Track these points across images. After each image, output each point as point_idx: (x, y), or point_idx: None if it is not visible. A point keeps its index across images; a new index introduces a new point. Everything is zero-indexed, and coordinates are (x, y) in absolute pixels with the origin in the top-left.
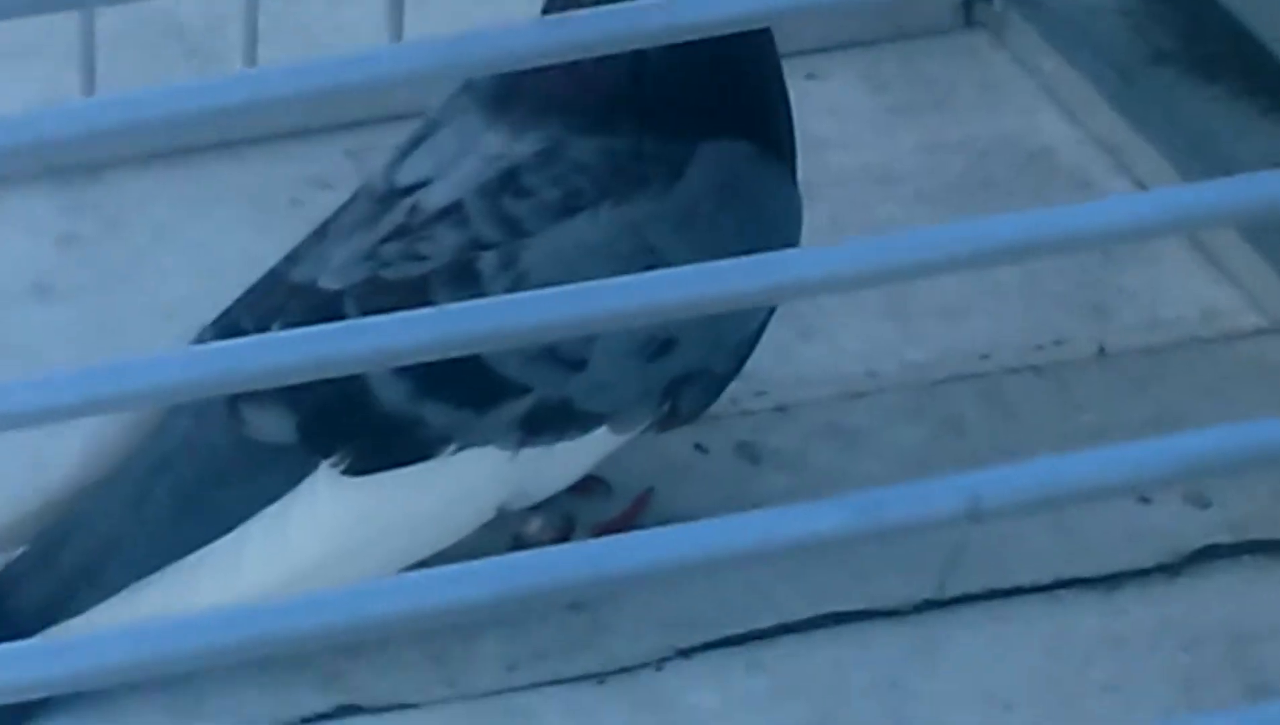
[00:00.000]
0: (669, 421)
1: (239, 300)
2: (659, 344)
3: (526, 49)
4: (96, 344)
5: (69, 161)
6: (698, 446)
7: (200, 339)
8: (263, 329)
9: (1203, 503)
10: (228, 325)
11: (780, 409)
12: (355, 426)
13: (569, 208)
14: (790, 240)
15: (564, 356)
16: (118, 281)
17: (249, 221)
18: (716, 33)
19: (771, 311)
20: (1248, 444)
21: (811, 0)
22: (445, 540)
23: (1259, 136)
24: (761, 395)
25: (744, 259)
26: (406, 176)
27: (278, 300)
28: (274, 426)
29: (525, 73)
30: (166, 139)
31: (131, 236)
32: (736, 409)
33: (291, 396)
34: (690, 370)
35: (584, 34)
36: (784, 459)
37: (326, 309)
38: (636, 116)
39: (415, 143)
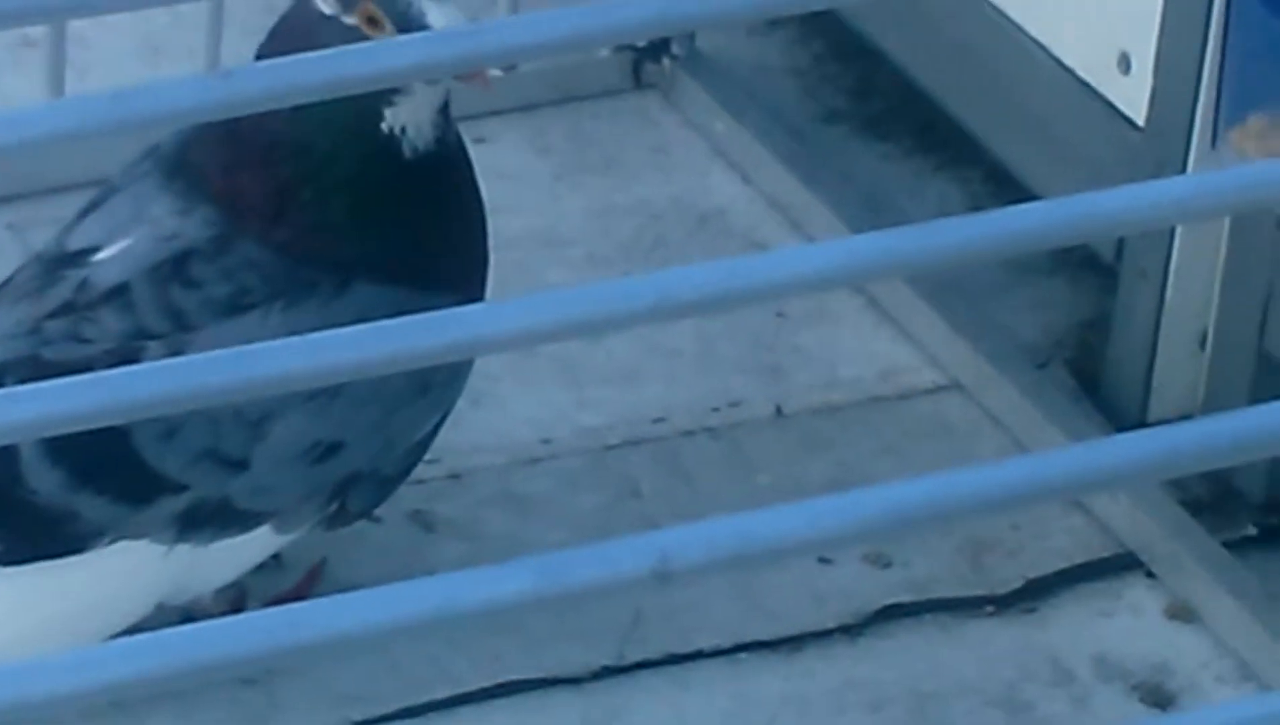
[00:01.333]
0: (336, 520)
1: None
2: (325, 447)
3: (184, 104)
4: None
5: None
6: (371, 517)
7: None
8: None
9: (883, 562)
10: None
11: (453, 476)
12: (7, 515)
13: (237, 306)
14: (459, 374)
15: (224, 457)
16: None
17: None
18: (365, 88)
19: (444, 416)
20: (927, 499)
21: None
22: (105, 632)
23: (931, 193)
24: (434, 463)
25: (401, 320)
26: (78, 241)
27: None
28: None
29: (205, 147)
30: None
31: None
32: (409, 477)
33: None
34: (358, 472)
35: (244, 89)
36: (458, 527)
37: None
38: (300, 230)
39: (93, 206)
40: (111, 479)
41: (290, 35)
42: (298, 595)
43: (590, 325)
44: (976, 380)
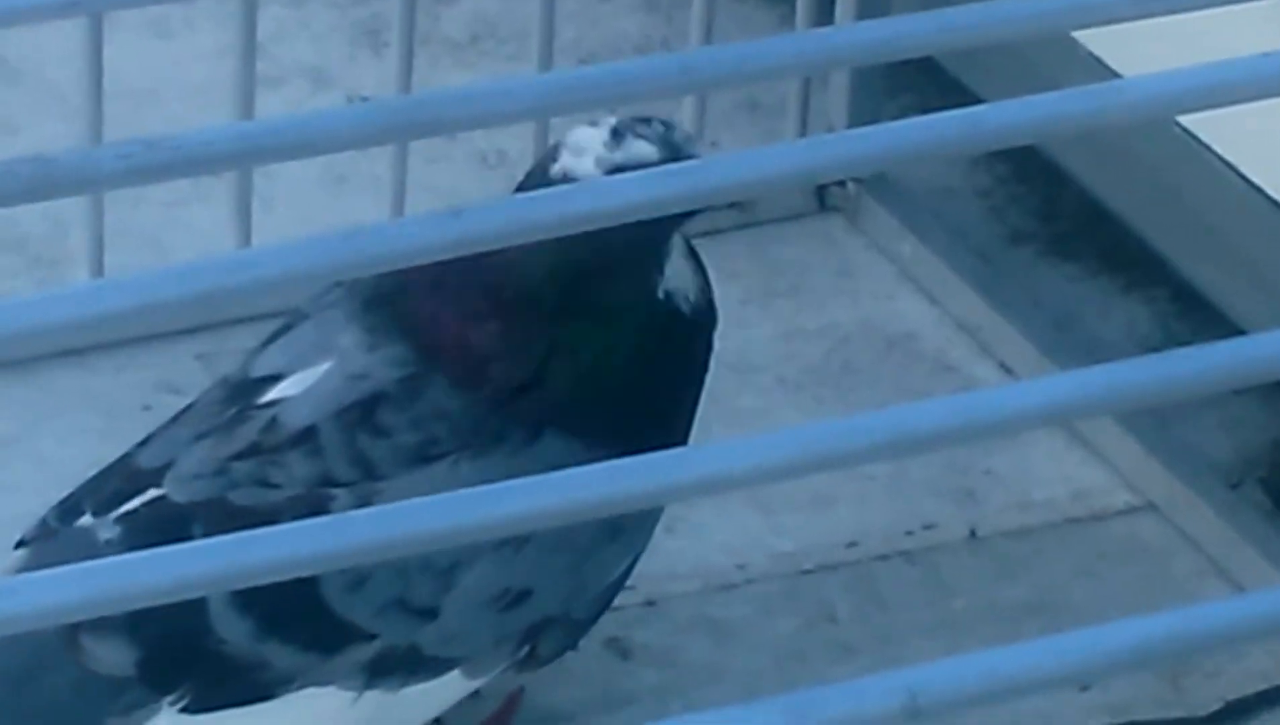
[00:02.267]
0: (527, 664)
1: (87, 482)
2: (515, 594)
3: (416, 244)
4: None
5: None
6: None
7: (43, 521)
8: (102, 514)
9: (1082, 684)
10: (70, 507)
11: (649, 603)
12: (197, 664)
13: (425, 456)
14: (651, 517)
15: (413, 605)
16: None
17: (98, 430)
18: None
19: (636, 559)
20: (1198, 627)
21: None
22: None
23: (1119, 314)
24: (630, 590)
25: (605, 465)
26: (261, 367)
27: (118, 483)
28: (114, 658)
29: (403, 283)
30: (8, 351)
31: None
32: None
33: (133, 629)
34: (549, 616)
35: (476, 228)
36: (655, 653)
37: (174, 523)
38: (501, 382)
39: (279, 332)
40: (300, 628)
41: None
42: (498, 723)
43: (791, 468)
44: (1170, 501)
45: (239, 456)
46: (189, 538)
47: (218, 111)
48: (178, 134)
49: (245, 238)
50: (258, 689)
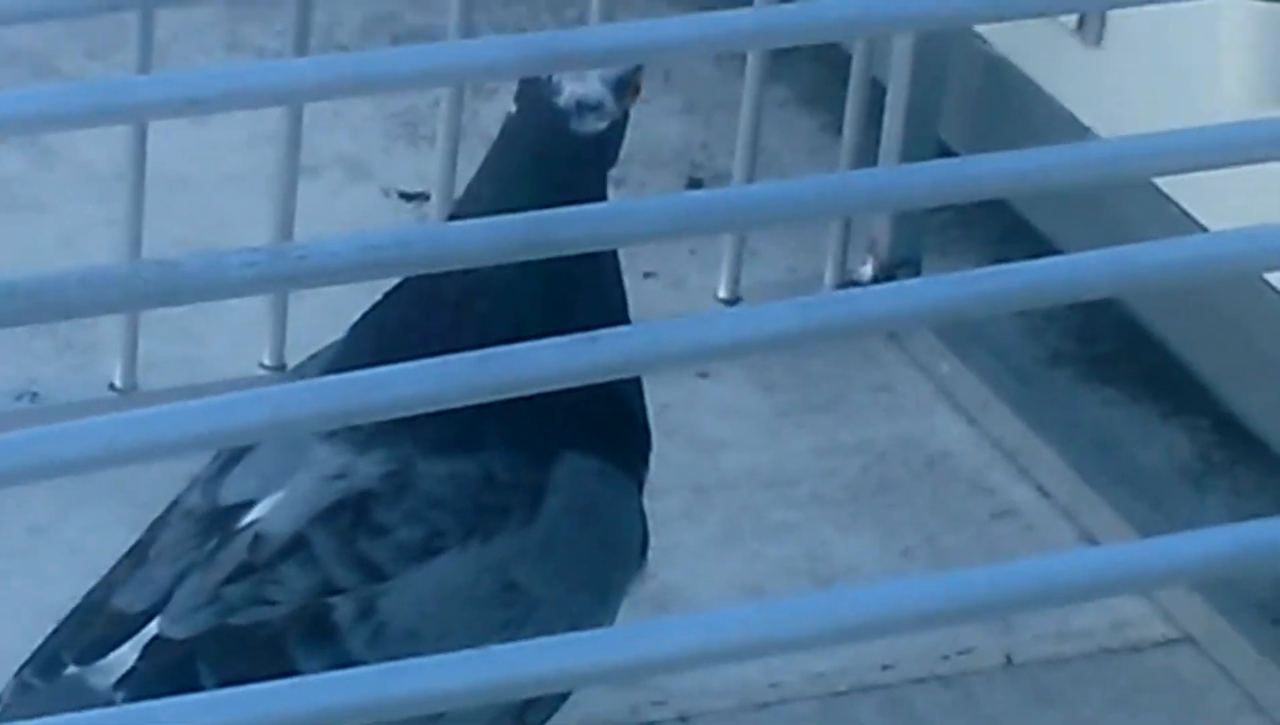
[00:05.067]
0: None
1: (54, 633)
2: None
3: (429, 391)
4: None
5: None
6: None
7: (19, 678)
8: (87, 663)
9: None
10: (47, 660)
11: (682, 719)
12: None
13: (430, 549)
14: (635, 553)
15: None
16: None
17: (129, 520)
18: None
19: (614, 617)
20: None
21: (725, 337)
22: None
23: (1159, 441)
24: (660, 705)
25: (631, 628)
26: (230, 494)
27: (100, 631)
28: None
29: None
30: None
31: (7, 537)
32: (636, 719)
33: None
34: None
35: (505, 374)
36: None
37: (178, 662)
38: (491, 430)
39: (236, 456)
40: None
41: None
42: None
43: (845, 634)
44: (1209, 634)
45: (230, 579)
46: (195, 674)
47: (252, 199)
48: (304, 243)
49: (280, 330)
50: None
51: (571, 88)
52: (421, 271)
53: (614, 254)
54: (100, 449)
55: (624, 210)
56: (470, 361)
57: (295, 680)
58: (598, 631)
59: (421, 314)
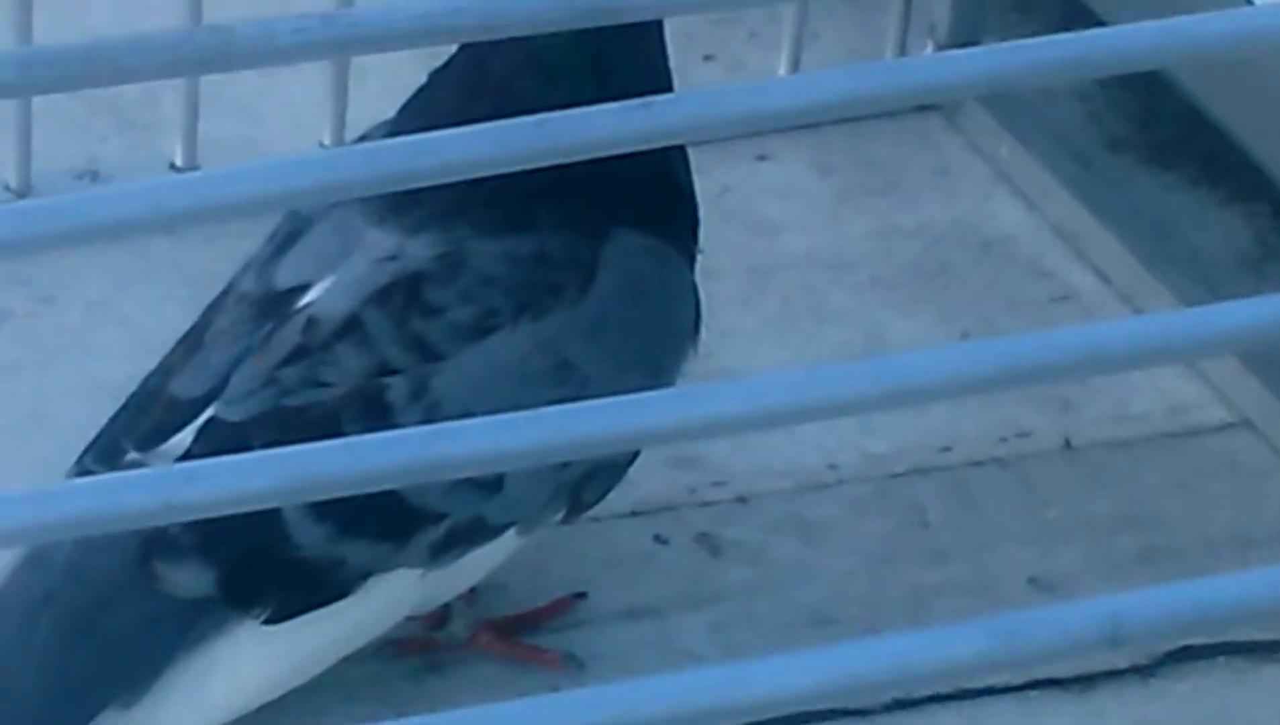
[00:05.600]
0: (571, 514)
1: (113, 419)
2: None
3: (484, 155)
4: (32, 421)
5: None
6: (656, 537)
7: (80, 465)
8: (147, 448)
9: None
10: (107, 447)
11: (740, 500)
12: (276, 575)
13: (483, 328)
14: (689, 330)
15: (480, 481)
16: (52, 358)
17: (184, 298)
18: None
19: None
20: None
21: (780, 104)
22: (352, 651)
23: (1216, 225)
24: (721, 485)
25: (682, 391)
26: (285, 279)
27: (158, 416)
28: (190, 582)
29: None
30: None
31: (65, 313)
32: (695, 499)
33: (208, 550)
34: (595, 468)
35: (560, 138)
36: (745, 551)
37: (232, 444)
38: (542, 211)
39: (289, 240)
40: (374, 522)
41: None
42: (534, 619)
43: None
44: (1267, 418)
45: (285, 362)
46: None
47: None
48: (355, 11)
49: (340, 110)
50: (335, 588)
51: None
52: (472, 39)
53: (661, 35)
54: (156, 211)
55: None
56: (526, 125)
57: (348, 440)
58: (646, 394)
59: (469, 91)
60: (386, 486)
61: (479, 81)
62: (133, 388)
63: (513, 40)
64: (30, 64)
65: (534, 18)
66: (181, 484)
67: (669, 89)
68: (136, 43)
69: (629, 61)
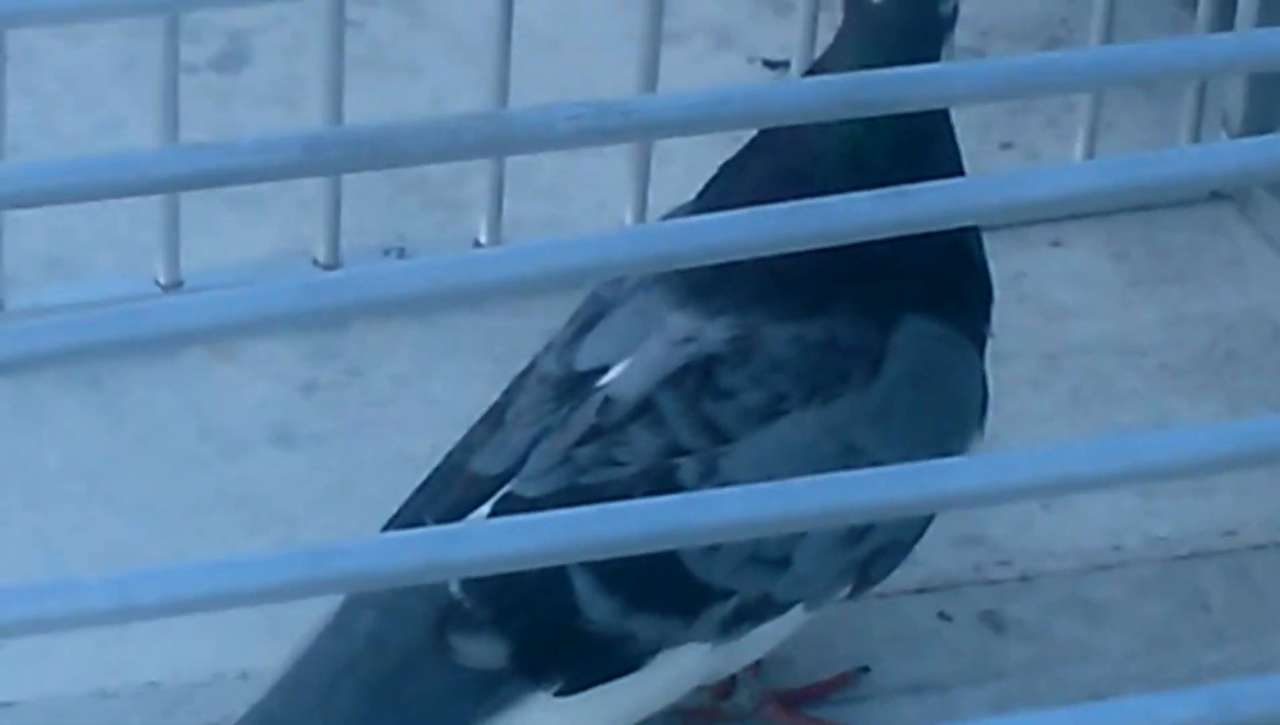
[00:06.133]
0: (858, 591)
1: (416, 494)
2: (859, 532)
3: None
4: (337, 494)
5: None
6: (941, 614)
7: None
8: (445, 523)
9: None
10: (409, 521)
11: (1024, 579)
12: (568, 648)
13: (772, 412)
14: (975, 416)
15: (769, 557)
16: (358, 431)
17: (487, 375)
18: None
19: None
20: None
21: (1063, 191)
22: (645, 718)
23: None
24: (1005, 564)
25: (967, 460)
26: (585, 360)
27: (459, 493)
28: (485, 654)
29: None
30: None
31: (372, 386)
32: (979, 578)
33: (502, 622)
34: (883, 546)
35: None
36: (1028, 629)
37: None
38: (835, 297)
39: (590, 323)
40: (663, 598)
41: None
42: (818, 692)
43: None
44: None
45: (581, 442)
46: None
47: (619, 65)
48: (629, 100)
49: (642, 192)
50: (626, 661)
51: None
52: (738, 127)
53: (949, 122)
54: (457, 284)
55: (955, 70)
56: (781, 212)
57: (640, 502)
58: (929, 463)
59: (764, 177)
60: (664, 547)
61: (776, 167)
62: (436, 462)
63: (806, 127)
64: (316, 146)
65: (802, 107)
66: (455, 543)
67: (961, 173)
68: (419, 127)
69: (924, 151)
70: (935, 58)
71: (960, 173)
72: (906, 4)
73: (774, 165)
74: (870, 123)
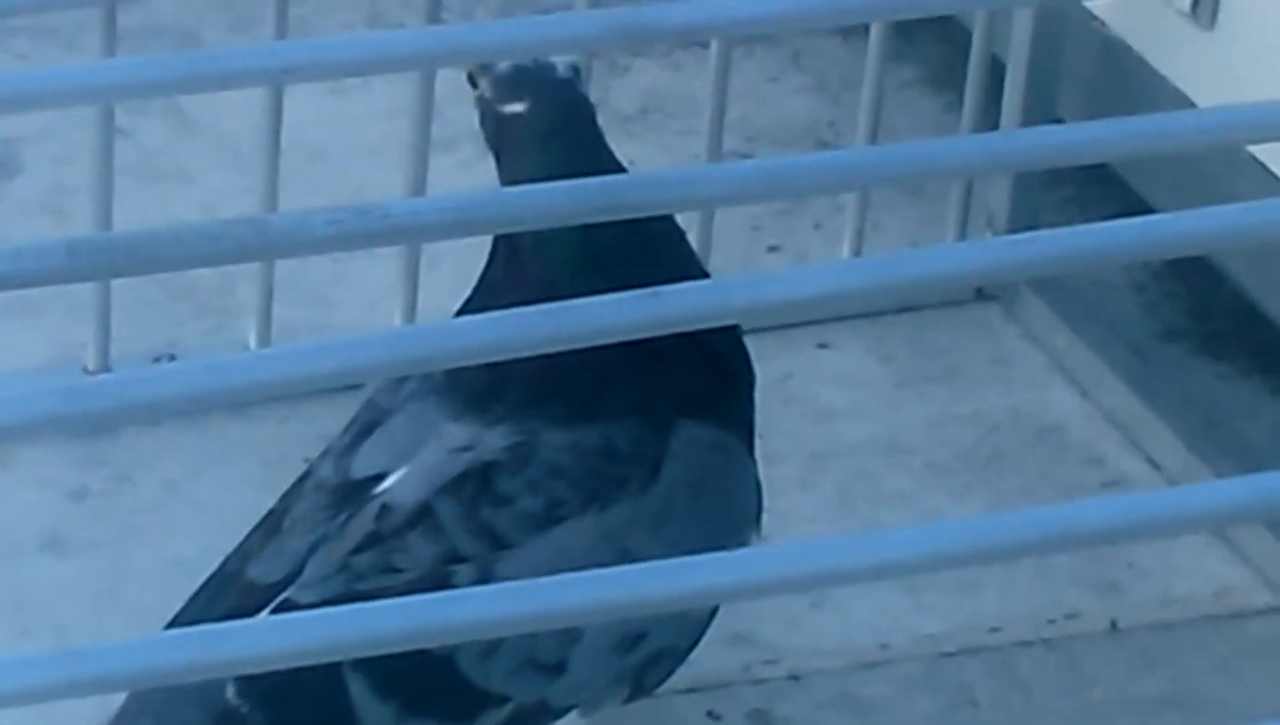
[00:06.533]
0: (633, 697)
1: (191, 601)
2: (633, 638)
3: (500, 340)
4: (107, 599)
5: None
6: (710, 713)
7: None
8: None
9: None
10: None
11: (793, 677)
12: None
13: (550, 518)
14: (750, 521)
15: (544, 664)
16: (128, 536)
17: (258, 480)
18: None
19: None
20: None
21: (824, 289)
22: None
23: (1269, 415)
24: (773, 663)
25: (734, 554)
26: (362, 468)
27: (235, 600)
28: None
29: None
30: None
31: (142, 491)
32: (749, 677)
33: (276, 719)
34: (658, 652)
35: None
36: None
37: None
38: (610, 399)
39: (367, 430)
40: (439, 703)
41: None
42: None
43: (928, 562)
44: None
45: (359, 549)
46: None
47: (388, 171)
48: (387, 202)
49: (412, 294)
50: None
51: (545, 62)
52: (498, 231)
53: (675, 225)
54: (225, 387)
55: (720, 171)
56: (543, 313)
57: (412, 598)
58: (698, 557)
59: (514, 281)
60: (434, 643)
61: (521, 271)
62: (208, 566)
63: (539, 233)
64: (76, 252)
65: (554, 211)
66: (213, 642)
67: (702, 271)
68: (180, 232)
69: (654, 247)
70: (599, 134)
71: (701, 271)
72: (542, 96)
73: (520, 271)
74: (588, 227)
